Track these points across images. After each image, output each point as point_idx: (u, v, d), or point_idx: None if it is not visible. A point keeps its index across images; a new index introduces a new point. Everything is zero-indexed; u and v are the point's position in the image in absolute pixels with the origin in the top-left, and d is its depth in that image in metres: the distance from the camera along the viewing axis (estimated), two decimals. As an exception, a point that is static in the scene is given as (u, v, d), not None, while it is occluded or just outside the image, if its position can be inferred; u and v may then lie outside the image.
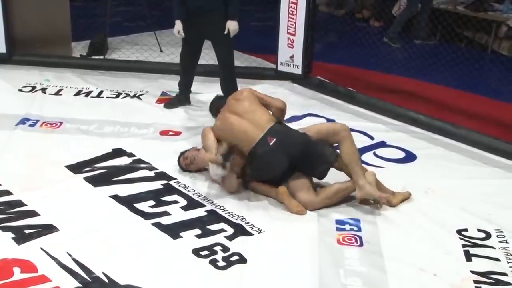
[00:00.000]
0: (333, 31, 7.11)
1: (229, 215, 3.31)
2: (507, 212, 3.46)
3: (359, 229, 3.22)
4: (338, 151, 3.51)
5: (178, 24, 4.40)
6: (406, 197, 3.52)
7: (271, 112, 3.61)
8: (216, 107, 3.80)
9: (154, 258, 2.91)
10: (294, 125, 4.54)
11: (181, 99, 4.85)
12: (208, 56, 5.94)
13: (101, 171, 3.75)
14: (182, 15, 4.39)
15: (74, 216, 3.23)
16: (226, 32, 4.41)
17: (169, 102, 4.84)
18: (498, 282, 2.85)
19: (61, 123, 4.42)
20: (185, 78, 4.82)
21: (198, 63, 5.81)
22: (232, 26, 4.42)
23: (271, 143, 3.38)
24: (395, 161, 4.10)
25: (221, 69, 4.74)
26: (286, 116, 4.69)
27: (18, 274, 2.73)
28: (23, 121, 4.38)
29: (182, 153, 3.79)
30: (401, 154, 4.21)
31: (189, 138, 4.25)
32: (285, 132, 3.49)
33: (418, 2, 7.03)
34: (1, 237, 3.01)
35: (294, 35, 5.30)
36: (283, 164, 3.40)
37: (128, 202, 3.40)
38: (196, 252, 2.97)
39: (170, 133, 4.36)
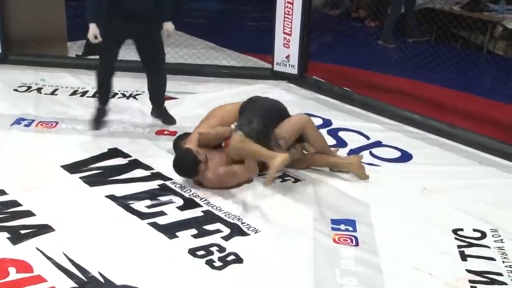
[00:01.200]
0: (329, 31, 7.12)
1: (225, 215, 3.31)
2: (503, 211, 3.47)
3: (355, 229, 3.23)
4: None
5: (94, 28, 4.02)
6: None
7: None
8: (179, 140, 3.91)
9: (150, 258, 2.91)
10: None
11: (103, 113, 4.39)
12: (204, 56, 5.96)
13: (97, 171, 3.75)
14: (98, 18, 4.05)
15: (70, 216, 3.23)
16: (167, 35, 4.28)
17: (93, 124, 4.34)
18: (494, 282, 2.86)
19: (56, 123, 4.41)
20: (107, 88, 4.38)
21: (196, 63, 5.85)
22: (171, 27, 4.26)
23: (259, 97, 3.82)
24: (391, 160, 4.11)
25: (156, 72, 4.40)
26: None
27: (13, 274, 2.73)
28: (18, 121, 4.37)
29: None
30: (397, 154, 4.21)
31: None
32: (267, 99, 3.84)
33: (401, 4, 7.05)
34: (-4, 237, 3.00)
35: (290, 35, 5.31)
36: (273, 105, 3.68)
37: (124, 202, 3.40)
38: (192, 252, 2.97)
39: (166, 132, 4.36)
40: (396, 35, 7.06)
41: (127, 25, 4.05)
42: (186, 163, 3.49)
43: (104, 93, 4.38)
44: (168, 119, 4.48)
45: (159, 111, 4.52)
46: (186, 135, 3.89)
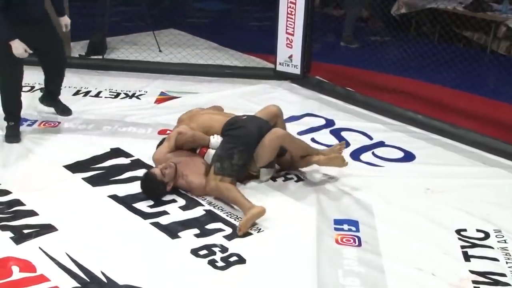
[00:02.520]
0: (332, 31, 7.12)
1: (227, 215, 3.31)
2: (506, 212, 3.46)
3: (357, 229, 3.22)
4: None
5: (19, 42, 3.71)
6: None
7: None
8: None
9: (152, 258, 2.91)
10: (292, 125, 4.57)
11: (17, 129, 4.11)
12: (207, 56, 5.96)
13: (99, 171, 3.75)
14: (15, 33, 3.72)
15: (73, 216, 3.23)
16: (65, 29, 4.22)
17: (11, 139, 4.05)
18: (497, 283, 2.85)
19: (59, 122, 4.41)
20: (18, 101, 4.09)
21: (199, 63, 5.84)
22: (67, 21, 4.21)
23: (243, 117, 3.72)
24: (394, 160, 4.10)
25: (60, 71, 4.31)
26: (285, 116, 4.70)
27: (17, 274, 2.73)
28: (21, 121, 4.37)
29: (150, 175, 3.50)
30: (400, 154, 4.21)
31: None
32: (254, 116, 3.77)
33: (357, 4, 7.05)
34: (0, 237, 3.01)
35: (293, 35, 5.30)
36: (254, 131, 3.55)
37: (127, 201, 3.40)
38: (195, 252, 2.97)
39: (168, 132, 4.35)
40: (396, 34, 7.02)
41: (24, 31, 3.75)
42: (150, 188, 3.43)
43: (17, 109, 4.09)
44: (64, 110, 4.48)
45: (55, 103, 4.48)
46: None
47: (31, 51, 3.81)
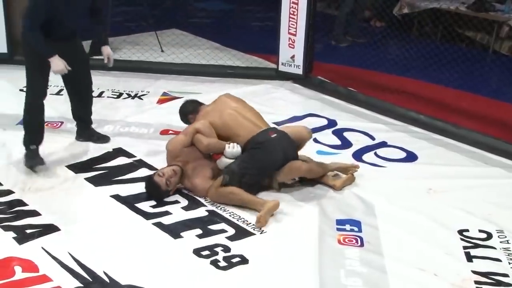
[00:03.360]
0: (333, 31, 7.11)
1: (230, 215, 3.31)
2: (508, 212, 3.46)
3: (360, 230, 3.22)
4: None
5: (58, 59, 3.54)
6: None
7: None
8: (189, 110, 3.89)
9: (155, 258, 2.91)
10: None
11: (37, 153, 3.77)
12: (209, 57, 5.96)
13: (102, 171, 3.76)
14: (54, 49, 3.56)
15: (75, 216, 3.24)
16: (106, 61, 3.91)
17: (34, 162, 3.73)
18: (499, 283, 2.85)
19: (62, 122, 4.42)
20: (42, 123, 3.79)
21: (201, 63, 5.84)
22: (108, 51, 3.90)
23: (272, 136, 3.51)
24: (396, 161, 4.10)
25: (87, 92, 4.05)
26: (287, 116, 4.73)
27: (19, 274, 2.74)
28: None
29: (153, 175, 3.49)
30: (402, 154, 4.20)
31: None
32: (285, 135, 3.57)
33: (351, 3, 7.04)
34: (2, 237, 3.01)
35: (295, 35, 5.30)
36: (279, 157, 3.46)
37: (129, 202, 3.41)
38: (197, 252, 2.97)
39: (170, 132, 4.36)
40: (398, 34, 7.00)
41: (59, 47, 3.58)
42: (154, 194, 3.43)
43: (41, 131, 3.78)
44: (102, 137, 4.14)
45: (89, 132, 4.15)
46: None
47: (69, 68, 3.60)
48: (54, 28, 3.54)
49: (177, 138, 3.67)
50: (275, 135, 3.53)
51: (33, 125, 3.73)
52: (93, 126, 4.24)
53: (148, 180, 3.49)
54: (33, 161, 3.68)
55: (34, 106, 3.69)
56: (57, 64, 3.55)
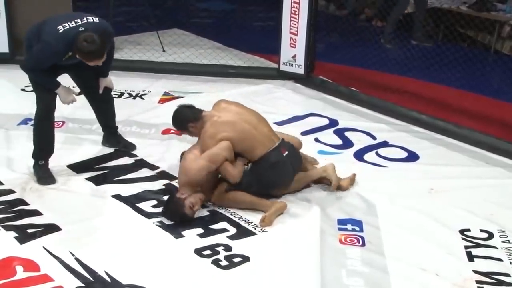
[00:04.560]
0: (335, 31, 7.10)
1: (231, 215, 3.31)
2: (510, 212, 3.45)
3: (361, 229, 3.22)
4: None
5: (64, 89, 3.55)
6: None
7: None
8: (188, 118, 3.50)
9: (156, 258, 2.92)
10: (296, 125, 4.57)
11: (46, 171, 3.65)
12: (211, 56, 5.96)
13: (103, 171, 3.76)
14: (58, 81, 3.56)
15: (77, 216, 3.24)
16: (101, 91, 3.82)
17: (41, 180, 3.60)
18: (501, 283, 2.85)
19: (63, 122, 4.42)
20: (53, 137, 3.68)
21: (203, 63, 5.84)
22: (106, 82, 3.83)
23: (284, 154, 3.40)
24: (397, 160, 4.10)
25: (107, 100, 3.96)
26: (288, 116, 4.73)
27: (21, 273, 2.74)
28: (25, 121, 4.38)
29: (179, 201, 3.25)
30: (404, 154, 4.20)
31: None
32: (292, 147, 3.52)
33: (407, 3, 7.01)
34: (4, 236, 3.02)
35: (296, 35, 5.30)
36: (290, 176, 3.44)
37: (131, 201, 3.41)
38: (199, 251, 2.97)
39: (172, 131, 4.35)
40: (395, 34, 6.99)
41: (66, 70, 3.66)
42: (177, 216, 3.24)
43: (52, 145, 3.68)
44: (128, 145, 4.08)
45: (116, 139, 4.09)
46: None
47: (77, 92, 3.64)
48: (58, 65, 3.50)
49: (200, 165, 3.25)
50: (287, 152, 3.41)
51: (42, 140, 3.63)
52: (96, 126, 4.24)
53: (170, 204, 3.26)
54: (44, 181, 3.57)
55: (44, 118, 3.60)
56: (64, 96, 3.56)
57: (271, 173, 3.36)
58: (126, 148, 4.06)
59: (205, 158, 3.26)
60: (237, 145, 3.34)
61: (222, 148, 3.28)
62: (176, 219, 3.22)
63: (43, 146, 3.63)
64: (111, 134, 4.09)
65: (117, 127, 4.12)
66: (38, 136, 3.62)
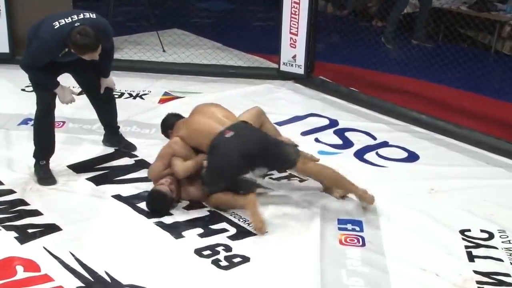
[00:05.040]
0: (335, 31, 7.10)
1: (231, 215, 3.31)
2: (510, 212, 3.45)
3: (361, 229, 3.22)
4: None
5: (62, 89, 3.53)
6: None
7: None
8: (168, 124, 3.68)
9: (156, 258, 2.92)
10: (296, 125, 4.57)
11: (49, 169, 3.64)
12: (210, 56, 5.96)
13: (103, 171, 3.76)
14: (57, 81, 3.54)
15: (77, 216, 3.24)
16: (102, 91, 3.80)
17: (42, 180, 3.58)
18: (501, 283, 2.84)
19: (64, 122, 4.42)
20: (53, 137, 3.66)
21: (203, 63, 5.85)
22: (108, 83, 3.80)
23: (226, 135, 3.30)
24: (397, 161, 4.09)
25: (108, 99, 3.94)
26: (288, 116, 4.73)
27: (21, 273, 2.74)
28: (25, 121, 4.38)
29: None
30: (404, 154, 4.20)
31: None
32: (245, 129, 3.38)
33: (406, 2, 7.01)
34: (4, 236, 3.02)
35: (296, 35, 5.30)
36: (233, 158, 3.24)
37: (131, 201, 3.41)
38: (199, 252, 2.97)
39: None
40: (395, 34, 6.98)
41: (65, 69, 3.59)
42: (163, 207, 3.31)
43: (50, 146, 3.64)
44: (128, 145, 4.05)
45: (117, 138, 4.07)
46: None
47: (77, 93, 3.63)
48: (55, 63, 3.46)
49: (155, 167, 3.47)
50: (232, 133, 3.29)
51: (43, 140, 3.60)
52: (96, 126, 4.24)
53: (151, 193, 3.35)
54: (45, 181, 3.55)
55: (44, 118, 3.57)
56: (63, 96, 3.54)
57: (211, 158, 3.30)
58: (126, 148, 4.05)
59: (156, 158, 3.50)
60: (189, 140, 3.45)
61: (168, 145, 3.51)
62: (161, 205, 3.28)
63: (44, 146, 3.62)
64: (112, 133, 4.08)
65: (118, 127, 4.11)
66: (38, 135, 3.60)
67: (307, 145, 3.89)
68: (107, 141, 4.09)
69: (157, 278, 2.77)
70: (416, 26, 6.99)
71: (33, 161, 3.64)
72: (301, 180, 3.71)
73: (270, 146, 3.35)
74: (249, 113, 3.57)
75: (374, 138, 4.42)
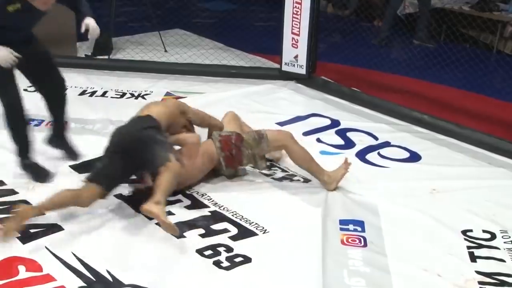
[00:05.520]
0: (337, 31, 7.11)
1: (232, 215, 3.31)
2: (512, 212, 3.45)
3: (363, 230, 3.22)
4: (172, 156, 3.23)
5: (3, 49, 3.20)
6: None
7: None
8: None
9: (158, 258, 2.92)
10: (298, 125, 4.56)
11: (36, 167, 3.58)
12: (212, 57, 5.97)
13: (105, 171, 3.76)
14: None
15: (79, 216, 3.24)
16: (83, 30, 3.48)
17: (42, 177, 3.57)
18: (503, 283, 2.84)
19: (66, 122, 4.42)
20: (25, 133, 3.54)
21: (204, 63, 5.85)
22: (88, 22, 3.47)
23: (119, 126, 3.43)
24: (399, 161, 4.09)
25: (57, 94, 3.72)
26: (290, 116, 4.73)
27: (23, 273, 2.74)
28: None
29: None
30: (406, 154, 4.20)
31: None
32: (131, 121, 3.50)
33: (399, 2, 7.01)
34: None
35: (298, 35, 5.30)
36: (114, 141, 3.32)
37: (132, 201, 3.41)
38: (200, 252, 2.97)
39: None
40: (401, 34, 6.99)
41: (16, 50, 3.27)
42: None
43: (27, 141, 3.54)
44: (71, 153, 3.84)
45: (60, 142, 3.85)
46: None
47: (16, 57, 3.24)
48: (6, 32, 3.26)
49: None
50: (123, 124, 3.45)
51: (18, 137, 3.51)
52: (98, 126, 4.23)
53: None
54: (41, 178, 3.53)
55: (10, 114, 3.43)
56: (2, 56, 3.18)
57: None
58: (68, 154, 3.83)
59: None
60: None
61: None
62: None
63: (21, 144, 3.53)
64: (59, 132, 3.82)
65: (65, 125, 3.83)
66: (14, 133, 3.49)
67: (309, 146, 3.88)
68: (50, 141, 3.84)
69: (158, 278, 2.77)
70: (417, 27, 6.99)
71: (37, 160, 3.65)
72: (304, 181, 3.71)
73: (138, 145, 3.26)
74: (227, 116, 3.78)
75: (376, 138, 4.42)
